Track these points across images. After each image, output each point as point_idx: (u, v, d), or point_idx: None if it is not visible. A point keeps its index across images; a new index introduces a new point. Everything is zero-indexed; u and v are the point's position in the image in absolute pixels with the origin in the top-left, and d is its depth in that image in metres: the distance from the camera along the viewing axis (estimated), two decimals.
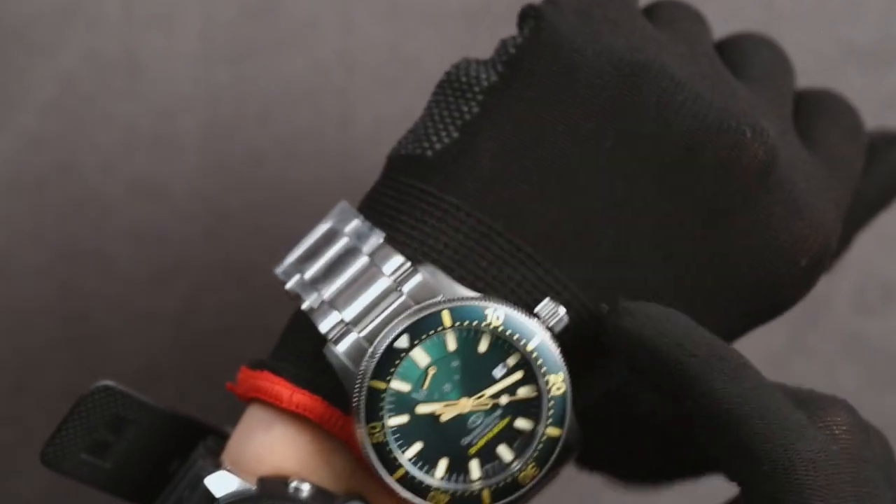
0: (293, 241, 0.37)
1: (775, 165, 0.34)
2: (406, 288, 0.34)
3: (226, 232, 0.53)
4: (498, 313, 0.33)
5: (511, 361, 0.34)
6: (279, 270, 0.36)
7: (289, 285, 0.35)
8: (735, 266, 0.35)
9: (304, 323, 0.35)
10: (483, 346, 0.34)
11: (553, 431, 0.34)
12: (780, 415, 0.30)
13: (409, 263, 0.34)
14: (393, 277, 0.34)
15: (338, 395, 0.34)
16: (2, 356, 0.53)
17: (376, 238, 0.35)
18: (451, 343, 0.34)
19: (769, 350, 0.53)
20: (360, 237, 0.35)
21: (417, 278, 0.34)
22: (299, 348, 0.35)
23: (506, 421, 0.34)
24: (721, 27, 0.52)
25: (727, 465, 0.31)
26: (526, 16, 0.37)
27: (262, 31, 0.53)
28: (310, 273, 0.35)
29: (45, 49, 0.53)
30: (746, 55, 0.38)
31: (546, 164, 0.34)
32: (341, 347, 0.34)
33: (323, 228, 0.36)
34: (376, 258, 0.34)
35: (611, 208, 0.34)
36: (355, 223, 0.35)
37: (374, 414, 0.33)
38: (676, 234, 0.34)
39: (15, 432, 0.53)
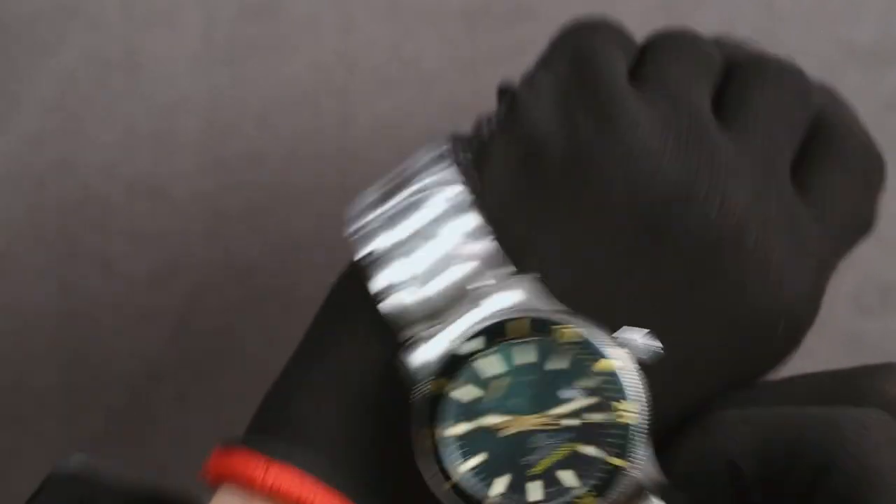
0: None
1: (745, 235, 0.33)
2: (498, 291, 0.33)
3: (226, 232, 0.53)
4: (579, 330, 0.32)
5: (587, 383, 0.32)
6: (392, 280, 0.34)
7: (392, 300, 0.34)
8: (707, 339, 0.34)
9: (278, 399, 0.34)
10: (561, 365, 0.32)
11: (616, 461, 0.32)
12: None
13: (512, 268, 0.33)
14: (493, 281, 0.33)
15: (323, 473, 0.32)
16: (2, 356, 0.53)
17: (489, 245, 0.34)
18: (528, 355, 0.32)
19: None
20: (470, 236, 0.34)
21: (515, 283, 0.33)
22: (277, 427, 0.34)
23: (572, 446, 0.32)
24: (721, 28, 0.52)
25: None
26: (503, 92, 0.36)
27: (262, 31, 0.53)
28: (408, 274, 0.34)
29: (45, 49, 0.53)
30: (745, 98, 0.36)
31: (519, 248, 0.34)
32: (422, 351, 0.33)
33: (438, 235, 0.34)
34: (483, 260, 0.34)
35: (584, 286, 0.34)
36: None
37: (433, 418, 0.32)
38: (648, 307, 0.34)
39: (15, 432, 0.53)
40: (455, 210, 0.34)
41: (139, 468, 0.46)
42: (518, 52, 0.53)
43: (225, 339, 0.54)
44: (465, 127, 0.54)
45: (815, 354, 0.54)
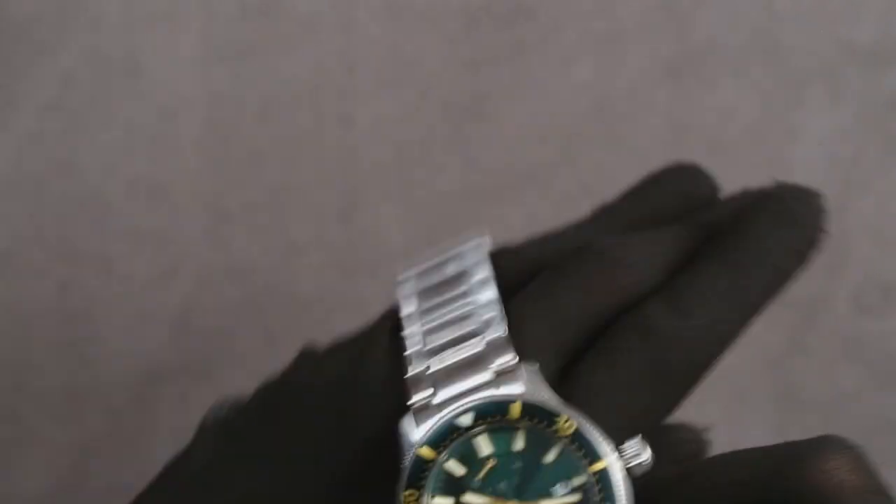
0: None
1: None
2: (502, 384, 0.33)
3: (226, 232, 0.53)
4: (571, 423, 0.32)
5: (576, 481, 0.32)
6: (408, 328, 0.35)
7: (409, 351, 0.34)
8: None
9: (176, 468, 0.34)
10: (550, 456, 0.32)
11: None
12: None
13: (516, 360, 0.33)
14: (496, 371, 0.33)
15: None
16: (2, 356, 0.53)
17: (501, 331, 0.34)
18: (519, 442, 0.32)
19: (769, 350, 0.53)
20: (487, 324, 0.34)
21: (517, 374, 0.33)
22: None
23: None
24: (721, 28, 0.53)
25: None
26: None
27: (262, 31, 0.53)
28: (431, 345, 0.34)
29: (45, 49, 0.53)
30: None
31: None
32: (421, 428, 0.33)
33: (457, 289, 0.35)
34: (491, 348, 0.34)
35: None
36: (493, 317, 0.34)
37: (416, 483, 0.32)
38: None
39: (15, 432, 0.53)
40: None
41: (139, 468, 0.46)
42: (518, 52, 0.53)
43: (225, 339, 0.54)
44: (465, 126, 0.54)
45: (815, 354, 0.54)
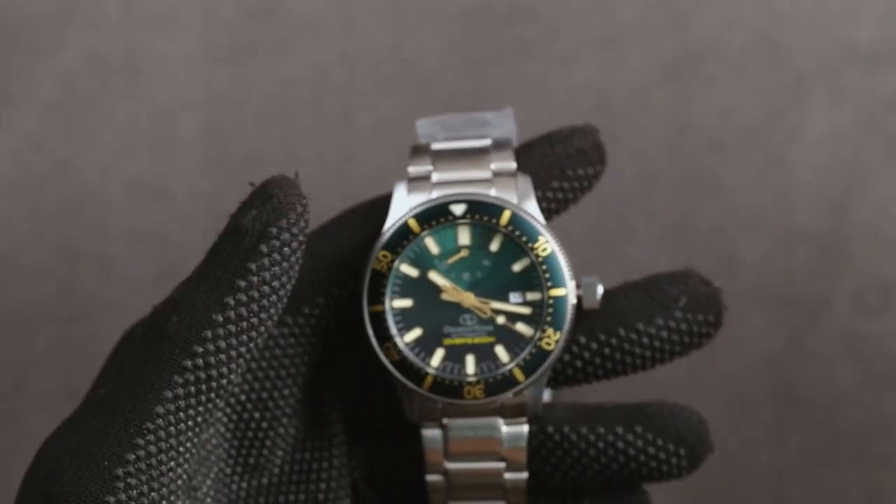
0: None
1: None
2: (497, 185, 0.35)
3: None
4: (548, 246, 0.34)
5: (530, 297, 0.35)
6: (421, 130, 0.37)
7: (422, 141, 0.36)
8: None
9: None
10: (517, 266, 0.35)
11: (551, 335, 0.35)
12: None
13: (515, 165, 0.35)
14: (494, 171, 0.35)
15: None
16: (2, 356, 0.53)
17: (510, 135, 0.36)
18: (495, 244, 0.35)
19: (769, 351, 0.53)
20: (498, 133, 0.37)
21: (513, 182, 0.35)
22: None
23: (489, 339, 0.35)
24: (721, 28, 0.53)
25: None
26: None
27: (262, 31, 0.53)
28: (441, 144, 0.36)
29: (45, 49, 0.53)
30: None
31: None
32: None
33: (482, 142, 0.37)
34: (495, 146, 0.36)
35: None
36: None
37: (393, 248, 0.34)
38: None
39: (15, 432, 0.53)
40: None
41: None
42: (518, 52, 0.53)
43: None
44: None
45: (816, 354, 0.54)
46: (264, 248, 0.31)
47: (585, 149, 0.37)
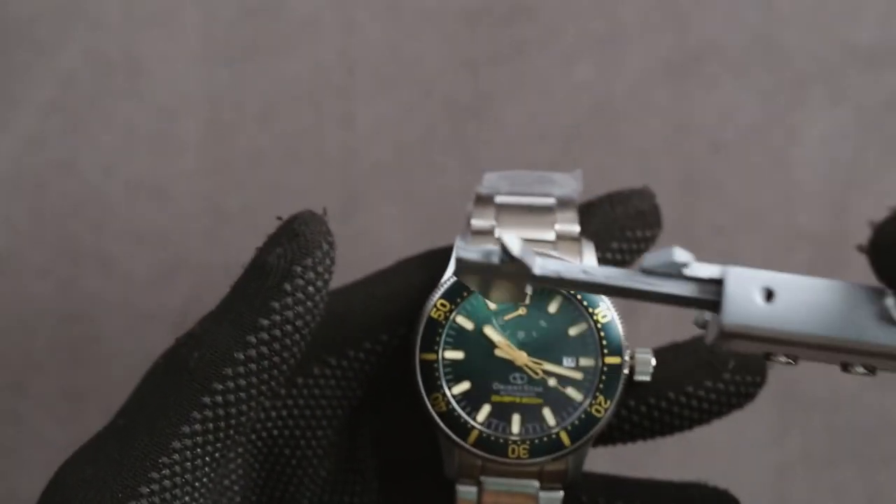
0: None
1: None
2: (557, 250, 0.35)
3: (226, 232, 0.53)
4: (608, 314, 0.34)
5: (584, 363, 0.34)
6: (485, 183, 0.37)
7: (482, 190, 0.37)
8: None
9: None
10: (574, 331, 0.35)
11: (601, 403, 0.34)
12: None
13: (579, 229, 0.35)
14: (558, 232, 0.35)
15: None
16: (2, 356, 0.53)
17: (573, 195, 0.36)
18: (554, 305, 0.34)
19: None
20: (562, 192, 0.37)
21: (576, 246, 0.35)
22: None
23: (537, 401, 0.34)
24: (721, 28, 0.52)
25: None
26: None
27: (262, 31, 0.53)
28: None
29: (45, 49, 0.53)
30: None
31: None
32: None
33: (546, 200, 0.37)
34: (559, 204, 0.36)
35: None
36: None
37: (452, 299, 0.34)
38: None
39: (15, 432, 0.53)
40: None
41: None
42: (518, 52, 0.53)
43: None
44: (465, 126, 0.54)
45: None
46: (288, 287, 0.31)
47: (645, 211, 0.37)
